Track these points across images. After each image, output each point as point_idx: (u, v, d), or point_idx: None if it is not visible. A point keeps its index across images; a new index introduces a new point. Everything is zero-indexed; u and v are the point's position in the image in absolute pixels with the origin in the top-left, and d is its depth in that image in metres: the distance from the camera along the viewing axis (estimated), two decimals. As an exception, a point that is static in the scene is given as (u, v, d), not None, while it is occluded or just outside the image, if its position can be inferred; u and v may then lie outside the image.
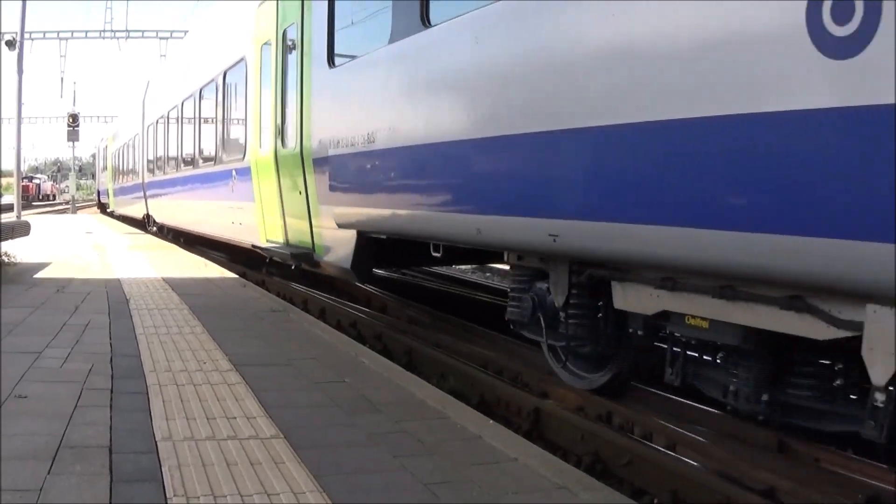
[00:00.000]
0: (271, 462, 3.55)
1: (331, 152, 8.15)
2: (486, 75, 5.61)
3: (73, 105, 51.79)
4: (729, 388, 4.40)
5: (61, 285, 9.68)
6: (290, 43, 9.55)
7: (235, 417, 4.25)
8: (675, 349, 4.73)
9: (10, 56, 23.63)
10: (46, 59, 59.32)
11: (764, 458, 4.56)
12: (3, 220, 13.42)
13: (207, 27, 16.39)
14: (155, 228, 22.02)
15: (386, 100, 7.17)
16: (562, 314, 5.61)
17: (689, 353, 4.67)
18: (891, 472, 4.20)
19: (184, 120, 16.99)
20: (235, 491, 3.18)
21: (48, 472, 3.28)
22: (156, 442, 3.77)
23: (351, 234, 8.01)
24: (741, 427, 5.00)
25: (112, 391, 4.69)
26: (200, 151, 15.55)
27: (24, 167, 65.79)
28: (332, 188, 8.26)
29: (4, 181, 54.71)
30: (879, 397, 3.50)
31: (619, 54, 4.34)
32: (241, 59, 12.05)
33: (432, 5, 6.32)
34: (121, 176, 30.31)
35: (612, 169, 4.46)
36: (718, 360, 4.50)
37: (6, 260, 11.97)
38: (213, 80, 14.12)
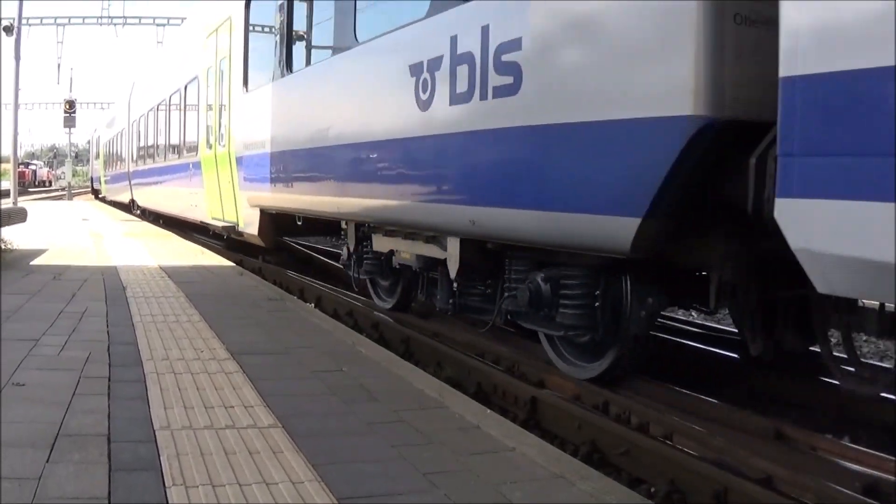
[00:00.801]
0: (269, 451, 3.56)
1: (245, 153, 11.44)
2: (310, 109, 9.18)
3: (70, 91, 51.57)
4: (437, 296, 7.26)
5: (58, 272, 9.67)
6: (223, 70, 13.09)
7: (233, 406, 4.25)
8: (428, 277, 7.59)
9: (7, 42, 23.58)
10: (44, 45, 59.18)
11: (761, 446, 4.57)
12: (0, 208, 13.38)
13: (178, 44, 20.17)
14: (139, 211, 25.21)
15: (269, 118, 10.47)
16: (354, 256, 8.90)
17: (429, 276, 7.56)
18: (888, 460, 4.21)
19: (158, 119, 20.58)
20: (234, 480, 3.19)
21: (47, 460, 3.28)
22: (154, 430, 3.77)
23: (257, 212, 11.32)
24: (738, 416, 5.02)
25: (110, 379, 4.69)
26: (170, 147, 18.86)
27: (21, 153, 65.47)
28: (245, 179, 11.52)
29: (1, 167, 54.50)
30: (455, 286, 6.80)
31: (343, 112, 7.99)
32: (196, 77, 15.49)
33: (294, 59, 9.70)
34: (111, 165, 34.77)
35: (351, 165, 7.82)
36: (434, 279, 7.39)
37: (3, 246, 11.95)
38: (178, 90, 17.55)
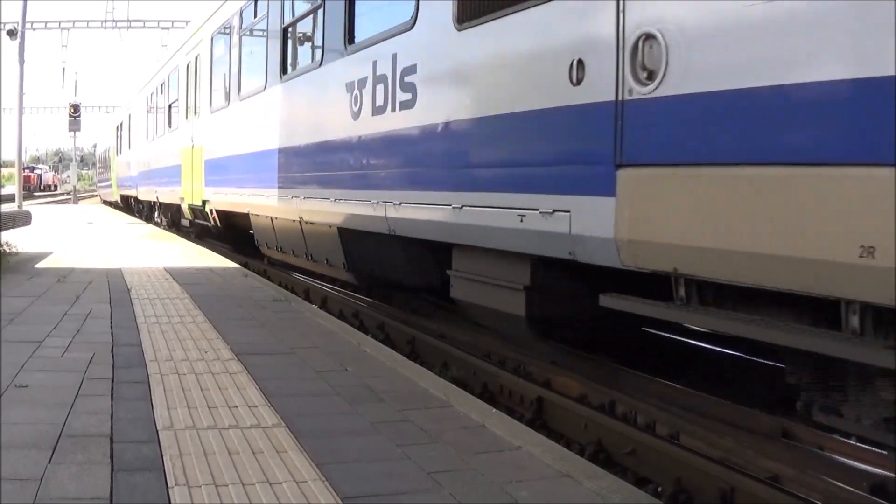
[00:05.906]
0: (273, 451, 3.54)
1: (119, 175, 34.02)
2: (124, 165, 32.13)
3: (75, 95, 51.82)
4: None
5: (62, 275, 9.67)
6: (116, 143, 35.29)
7: (237, 406, 4.23)
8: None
9: (11, 46, 23.59)
10: (48, 49, 59.47)
11: (768, 445, 4.54)
12: (4, 210, 13.39)
13: (108, 126, 42.20)
14: (103, 202, 43.59)
15: (116, 167, 36.41)
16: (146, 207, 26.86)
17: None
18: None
19: (107, 155, 40.85)
20: (237, 479, 3.17)
21: (49, 461, 3.27)
22: (157, 431, 3.76)
23: (123, 196, 33.15)
24: (744, 415, 4.99)
25: (113, 380, 4.68)
26: (110, 170, 38.51)
27: (26, 157, 65.73)
28: (119, 185, 33.72)
29: (6, 171, 54.60)
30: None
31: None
32: (109, 147, 38.67)
33: (122, 146, 33.58)
34: (96, 175, 58.73)
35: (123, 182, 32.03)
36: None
37: (7, 250, 11.96)
38: (109, 146, 38.56)
